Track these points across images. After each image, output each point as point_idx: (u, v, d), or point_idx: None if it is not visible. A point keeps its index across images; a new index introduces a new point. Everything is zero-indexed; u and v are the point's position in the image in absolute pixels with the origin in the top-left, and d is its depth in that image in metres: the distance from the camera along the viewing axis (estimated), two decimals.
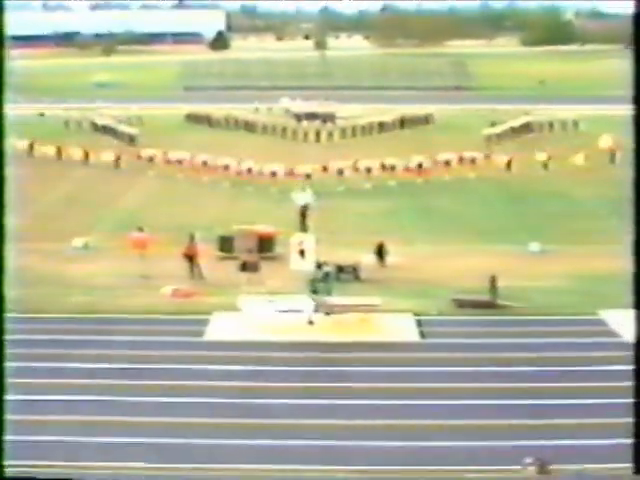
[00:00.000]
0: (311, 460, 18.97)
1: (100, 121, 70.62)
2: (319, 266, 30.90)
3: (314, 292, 29.58)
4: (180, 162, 54.44)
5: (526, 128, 68.48)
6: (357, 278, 32.63)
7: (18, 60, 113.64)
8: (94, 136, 67.81)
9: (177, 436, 20.05)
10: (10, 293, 29.30)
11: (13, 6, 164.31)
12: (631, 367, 23.94)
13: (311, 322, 27.89)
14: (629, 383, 22.53)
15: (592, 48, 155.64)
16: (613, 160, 56.44)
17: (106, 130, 68.05)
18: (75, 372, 23.74)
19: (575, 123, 71.01)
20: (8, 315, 26.74)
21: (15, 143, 61.24)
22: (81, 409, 21.36)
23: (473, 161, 54.36)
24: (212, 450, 19.48)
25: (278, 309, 28.78)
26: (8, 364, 22.64)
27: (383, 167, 51.79)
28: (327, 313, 28.48)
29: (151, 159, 55.81)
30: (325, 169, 51.09)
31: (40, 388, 22.60)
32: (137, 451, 19.37)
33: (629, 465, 15.46)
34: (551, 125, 71.04)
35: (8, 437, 19.22)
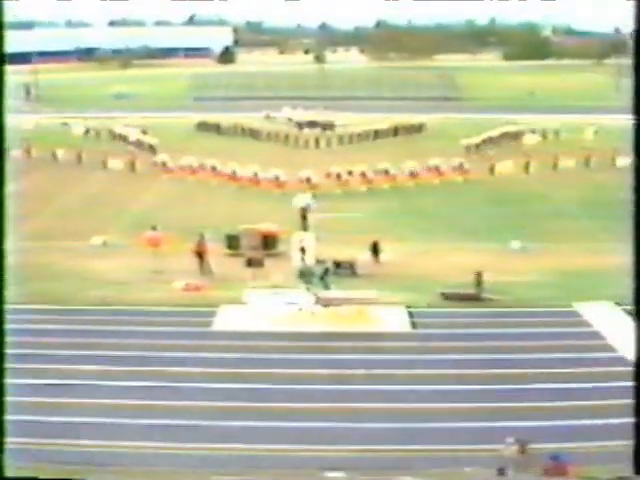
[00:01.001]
0: (309, 440, 19.00)
1: (120, 131, 70.34)
2: (303, 261, 31.10)
3: (309, 283, 29.72)
4: (191, 167, 54.41)
5: (506, 137, 68.02)
6: (354, 273, 32.67)
7: (44, 74, 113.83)
8: (111, 143, 67.78)
9: (186, 418, 20.11)
10: (35, 287, 29.36)
11: (39, 24, 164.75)
12: (602, 354, 24.00)
13: (312, 313, 27.93)
14: (599, 368, 22.74)
15: (567, 63, 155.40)
16: (588, 164, 56.56)
17: (126, 139, 67.68)
18: (93, 359, 23.74)
19: (556, 132, 71.00)
20: (33, 307, 26.79)
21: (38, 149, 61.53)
22: (99, 393, 21.37)
23: (460, 166, 54.37)
24: (218, 430, 19.51)
25: (281, 302, 28.80)
26: (33, 351, 22.64)
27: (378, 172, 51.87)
28: (325, 305, 28.52)
29: (164, 164, 55.81)
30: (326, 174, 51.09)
31: (61, 374, 22.59)
32: (148, 431, 19.44)
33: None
34: (533, 133, 70.92)
35: (37, 417, 19.46)
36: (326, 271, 30.96)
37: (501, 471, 16.01)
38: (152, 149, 62.41)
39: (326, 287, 30.17)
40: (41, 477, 14.72)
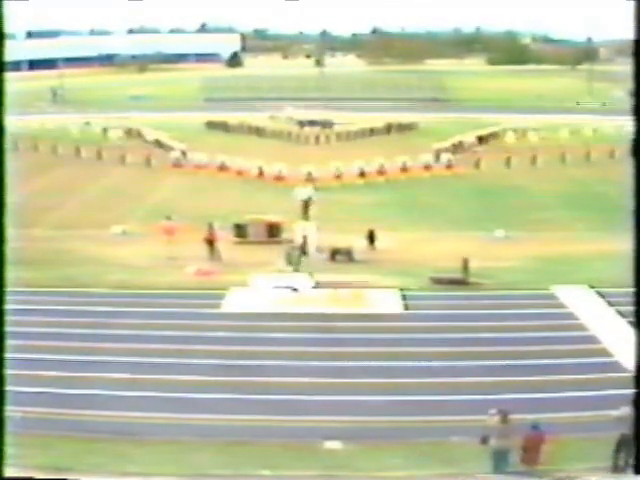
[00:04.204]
0: (309, 412, 18.98)
1: (150, 135, 68.66)
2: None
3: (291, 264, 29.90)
4: (201, 163, 54.26)
5: (480, 140, 66.88)
6: (351, 259, 32.65)
7: (69, 78, 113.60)
8: (129, 140, 67.55)
9: (195, 391, 20.11)
10: (60, 272, 29.28)
11: (65, 32, 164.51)
12: (575, 333, 23.98)
13: (313, 296, 27.89)
14: (572, 346, 22.70)
15: (545, 68, 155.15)
16: (563, 160, 56.43)
17: (156, 144, 66.32)
18: (112, 337, 23.71)
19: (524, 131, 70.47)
20: (59, 289, 26.69)
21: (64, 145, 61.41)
22: (116, 369, 21.34)
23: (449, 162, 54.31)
24: (224, 403, 19.47)
25: (283, 285, 28.74)
26: (57, 330, 22.57)
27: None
28: (324, 288, 28.49)
29: (177, 160, 55.73)
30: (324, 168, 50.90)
31: (82, 351, 22.55)
32: (159, 403, 19.42)
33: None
34: (514, 131, 70.58)
35: (59, 390, 19.43)
36: (300, 255, 31.00)
37: (484, 440, 16.00)
38: (167, 147, 62.06)
39: (296, 270, 30.06)
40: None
